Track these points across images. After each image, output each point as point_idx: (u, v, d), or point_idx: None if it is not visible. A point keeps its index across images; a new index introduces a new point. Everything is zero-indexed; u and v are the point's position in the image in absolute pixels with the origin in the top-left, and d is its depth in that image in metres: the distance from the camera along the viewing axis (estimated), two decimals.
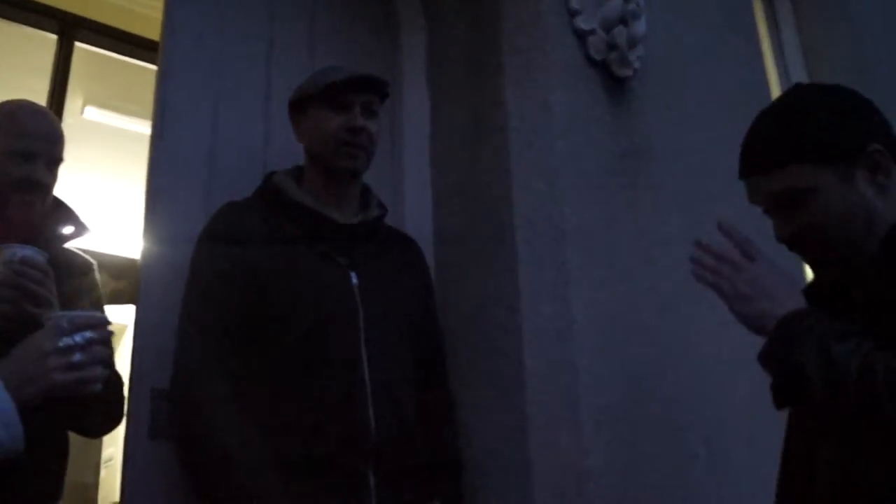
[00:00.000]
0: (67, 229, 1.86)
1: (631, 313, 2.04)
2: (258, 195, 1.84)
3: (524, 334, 1.89)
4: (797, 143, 1.33)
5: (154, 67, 3.40)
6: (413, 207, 2.20)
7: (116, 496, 3.81)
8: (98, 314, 1.33)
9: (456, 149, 2.21)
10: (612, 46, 2.21)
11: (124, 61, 3.70)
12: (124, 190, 3.95)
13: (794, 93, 1.44)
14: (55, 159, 1.82)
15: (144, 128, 3.78)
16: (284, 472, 1.55)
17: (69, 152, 1.92)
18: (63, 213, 1.88)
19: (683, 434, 2.02)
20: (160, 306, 1.77)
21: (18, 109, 1.80)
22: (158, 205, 1.90)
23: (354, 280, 1.75)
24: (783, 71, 3.46)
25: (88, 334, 1.25)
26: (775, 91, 3.19)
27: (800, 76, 3.39)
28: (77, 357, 1.23)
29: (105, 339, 1.28)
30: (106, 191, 3.89)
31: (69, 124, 3.28)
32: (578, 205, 2.03)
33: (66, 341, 1.22)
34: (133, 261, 2.34)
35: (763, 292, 1.28)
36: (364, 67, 1.98)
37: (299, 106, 1.86)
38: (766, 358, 1.25)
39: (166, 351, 1.69)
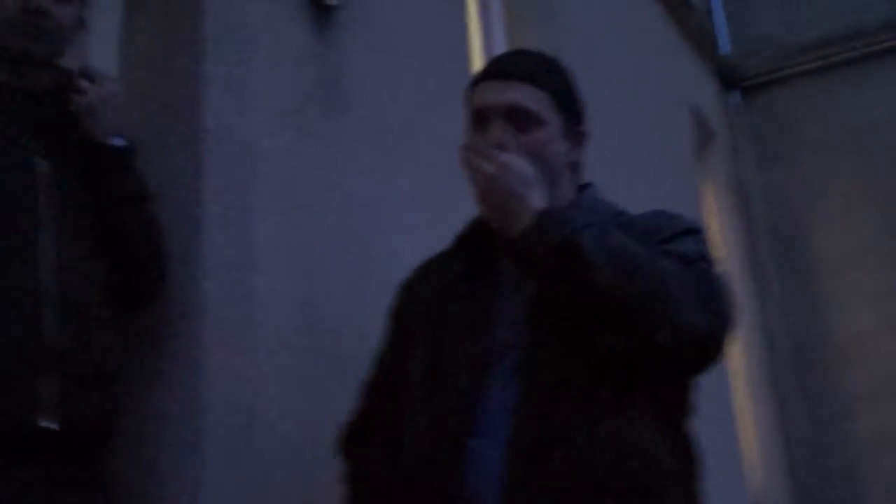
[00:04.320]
0: None
1: (316, 244, 2.04)
2: None
3: (203, 256, 1.81)
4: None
5: None
6: None
7: None
8: None
9: (147, 54, 2.05)
10: None
11: None
12: None
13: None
14: None
15: None
16: None
17: None
18: None
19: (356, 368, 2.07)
20: None
21: None
22: None
23: (40, 166, 1.58)
24: (487, 26, 3.64)
25: None
26: (475, 41, 3.35)
27: (500, 34, 3.58)
28: None
29: None
30: None
31: None
32: (272, 127, 1.98)
33: None
34: None
35: (528, 185, 1.36)
36: None
37: None
38: (534, 237, 1.31)
39: None
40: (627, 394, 1.35)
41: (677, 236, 1.42)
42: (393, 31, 2.49)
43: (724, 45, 6.80)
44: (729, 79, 6.65)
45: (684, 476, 1.39)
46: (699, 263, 1.36)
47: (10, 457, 1.43)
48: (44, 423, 1.45)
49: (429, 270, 1.64)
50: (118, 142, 1.68)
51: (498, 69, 1.53)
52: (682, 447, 1.41)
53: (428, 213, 2.39)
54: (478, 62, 3.16)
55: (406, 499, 1.44)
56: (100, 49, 2.15)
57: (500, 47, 3.53)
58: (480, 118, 1.48)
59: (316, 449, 1.89)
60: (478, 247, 1.52)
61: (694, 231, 1.45)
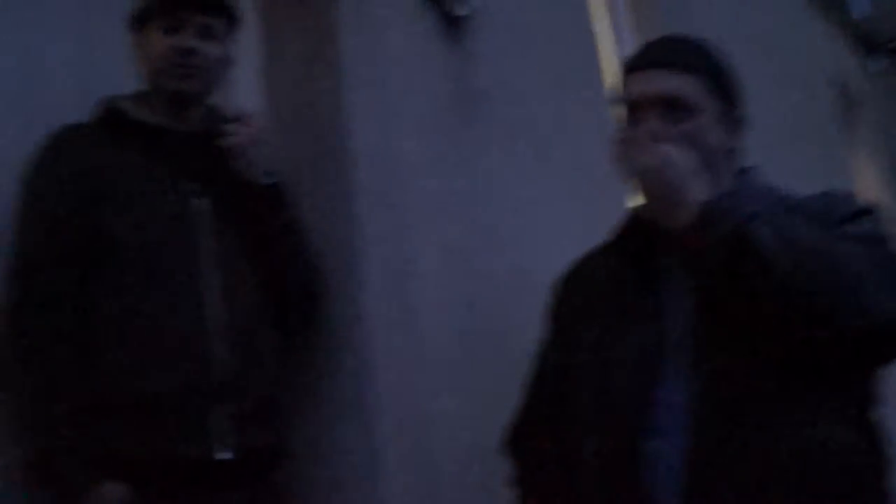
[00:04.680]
0: None
1: (469, 253, 2.05)
2: (96, 119, 1.71)
3: (363, 274, 1.85)
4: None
5: None
6: None
7: None
8: None
9: (289, 82, 2.12)
10: None
11: None
12: None
13: None
14: None
15: None
16: (121, 414, 1.48)
17: None
18: None
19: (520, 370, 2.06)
20: None
21: None
22: None
23: (199, 206, 1.65)
24: (616, 24, 3.57)
25: None
26: (604, 43, 3.29)
27: (627, 25, 3.51)
28: None
29: None
30: None
31: None
32: (416, 142, 2.01)
33: None
34: None
35: (688, 175, 1.31)
36: None
37: (137, 27, 1.74)
38: (701, 230, 1.26)
39: None
40: (813, 388, 1.28)
41: (851, 217, 1.33)
42: (522, 35, 2.49)
43: (861, 9, 6.45)
44: (869, 43, 6.29)
45: (876, 474, 1.31)
46: (880, 244, 1.28)
47: (190, 487, 1.50)
48: (219, 454, 1.52)
49: (586, 266, 1.60)
50: (268, 178, 1.73)
51: (648, 58, 1.48)
52: (873, 443, 1.33)
53: (576, 211, 2.36)
54: (608, 54, 3.11)
55: (579, 501, 1.41)
56: (243, 82, 2.23)
57: (629, 38, 3.46)
58: (633, 110, 1.43)
59: (492, 454, 1.89)
60: (636, 240, 1.48)
61: (868, 211, 1.37)
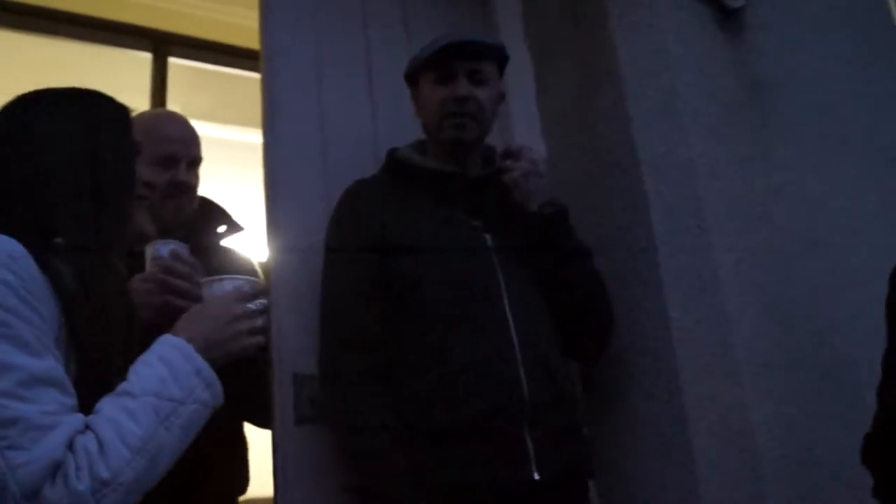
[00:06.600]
0: (221, 228, 1.94)
1: (775, 254, 1.92)
2: (384, 170, 1.83)
3: (665, 286, 1.79)
4: None
5: (247, 74, 3.45)
6: None
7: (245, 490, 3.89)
8: (263, 282, 1.35)
9: (566, 103, 2.12)
10: None
11: (217, 72, 3.74)
12: (232, 196, 4.00)
13: None
14: (195, 160, 1.89)
15: (244, 135, 3.83)
16: (437, 442, 1.52)
17: None
18: (214, 211, 1.96)
19: (845, 378, 1.89)
20: (293, 294, 1.77)
21: (156, 117, 1.92)
22: (279, 195, 1.89)
23: (489, 242, 1.71)
24: None
25: (264, 300, 1.31)
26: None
27: None
28: (260, 322, 1.27)
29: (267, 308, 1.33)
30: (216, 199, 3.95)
31: None
32: (707, 145, 1.91)
33: (250, 306, 1.27)
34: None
35: None
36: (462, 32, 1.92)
37: (413, 80, 1.84)
38: None
39: (304, 336, 1.70)
40: None
41: None
42: (805, 16, 2.31)
43: None
44: None
45: None
46: None
47: None
48: (535, 476, 1.53)
49: None
50: (549, 208, 1.74)
51: None
52: None
53: (884, 203, 2.14)
54: None
55: None
56: (519, 112, 2.25)
57: None
58: None
59: (819, 467, 1.75)
60: None
61: None
